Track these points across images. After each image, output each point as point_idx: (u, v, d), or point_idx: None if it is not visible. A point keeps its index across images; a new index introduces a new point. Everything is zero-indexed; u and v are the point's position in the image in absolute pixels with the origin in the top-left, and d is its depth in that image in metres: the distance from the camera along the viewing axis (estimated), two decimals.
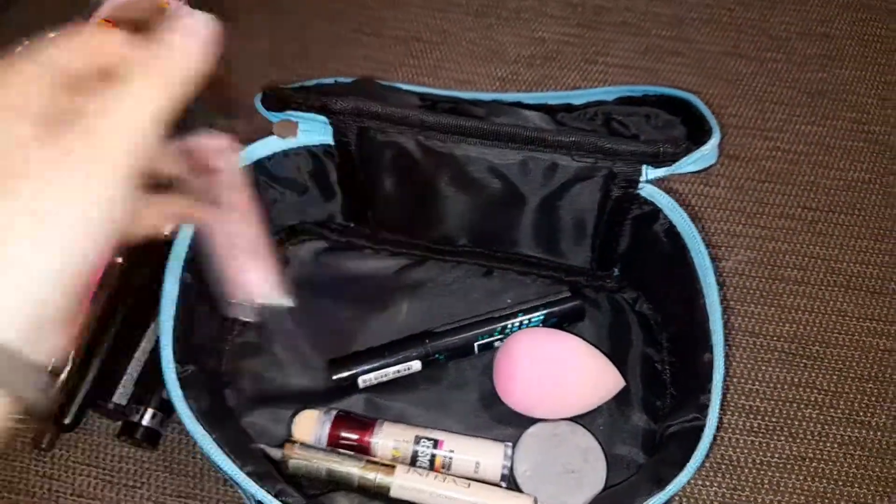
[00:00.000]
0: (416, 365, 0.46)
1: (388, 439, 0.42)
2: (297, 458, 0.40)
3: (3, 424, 0.23)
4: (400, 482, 0.40)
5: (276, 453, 0.39)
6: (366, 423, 0.42)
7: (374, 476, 0.39)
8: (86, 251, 0.23)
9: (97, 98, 0.23)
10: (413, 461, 0.41)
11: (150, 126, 0.23)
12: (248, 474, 0.34)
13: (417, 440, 0.41)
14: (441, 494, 0.40)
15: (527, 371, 0.42)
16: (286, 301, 0.35)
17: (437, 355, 0.46)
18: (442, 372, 0.46)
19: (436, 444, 0.41)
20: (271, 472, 0.35)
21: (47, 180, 0.22)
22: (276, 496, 0.34)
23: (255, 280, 0.35)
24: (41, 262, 0.22)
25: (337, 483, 0.40)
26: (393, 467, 0.40)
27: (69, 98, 0.24)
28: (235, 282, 0.34)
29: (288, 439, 0.42)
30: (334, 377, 0.44)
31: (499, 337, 0.46)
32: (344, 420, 0.42)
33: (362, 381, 0.45)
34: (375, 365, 0.44)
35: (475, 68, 0.64)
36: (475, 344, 0.46)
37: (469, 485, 0.40)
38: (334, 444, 0.41)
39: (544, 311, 0.46)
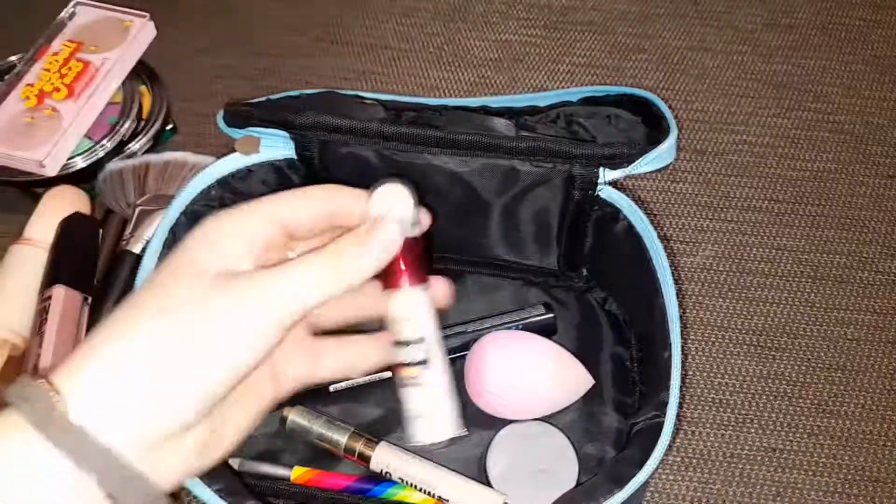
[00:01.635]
0: (386, 373, 0.46)
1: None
2: (296, 419, 0.44)
3: None
4: (378, 457, 0.42)
5: (237, 464, 0.40)
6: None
7: (358, 446, 0.42)
8: (225, 383, 0.27)
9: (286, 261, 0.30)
10: None
11: (309, 298, 0.29)
12: (217, 492, 0.34)
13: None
14: (415, 476, 0.41)
15: (496, 374, 0.43)
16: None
17: None
18: None
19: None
20: (240, 490, 0.36)
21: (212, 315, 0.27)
22: None
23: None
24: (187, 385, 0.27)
25: (324, 444, 0.43)
26: (376, 443, 0.42)
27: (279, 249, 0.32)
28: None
29: (289, 404, 0.44)
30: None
31: (468, 353, 0.46)
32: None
33: (333, 386, 0.45)
34: None
35: (443, 73, 0.64)
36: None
37: (446, 473, 0.41)
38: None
39: (516, 326, 0.46)
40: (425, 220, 0.35)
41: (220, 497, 0.34)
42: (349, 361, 0.37)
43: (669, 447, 0.35)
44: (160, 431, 0.26)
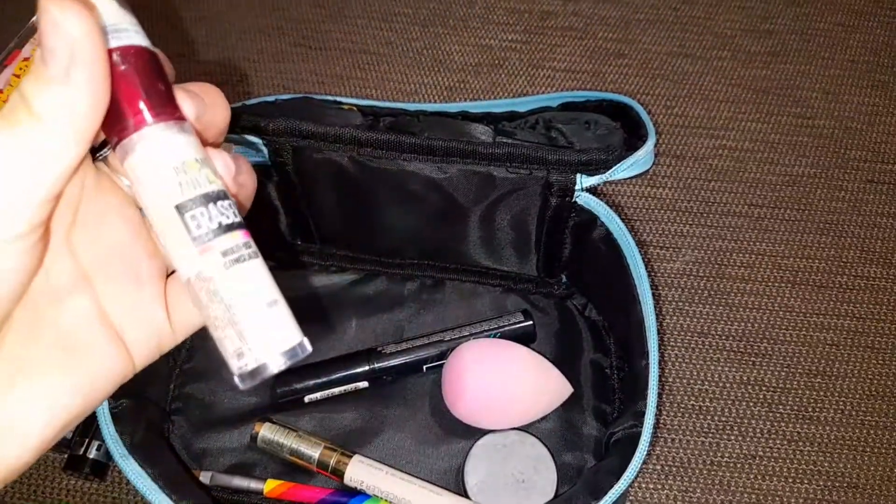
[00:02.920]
0: (363, 384, 0.45)
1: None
2: (266, 434, 0.43)
3: None
4: (351, 472, 0.41)
5: (208, 478, 0.39)
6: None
7: (331, 461, 0.42)
8: None
9: None
10: None
11: (19, 176, 0.19)
12: None
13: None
14: (390, 491, 0.40)
15: (473, 382, 0.42)
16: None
17: (384, 376, 0.46)
18: (391, 388, 0.46)
19: None
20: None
21: None
22: None
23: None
24: None
25: (297, 460, 0.42)
26: (350, 456, 0.42)
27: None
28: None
29: (261, 419, 0.43)
30: (279, 390, 0.44)
31: (446, 361, 0.45)
32: None
33: (308, 398, 0.44)
34: (321, 381, 0.44)
35: (422, 78, 0.64)
36: (423, 366, 0.46)
37: (421, 487, 0.41)
38: None
39: (495, 334, 0.46)
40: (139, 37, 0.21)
41: None
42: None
43: (648, 455, 0.34)
44: None
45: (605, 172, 0.40)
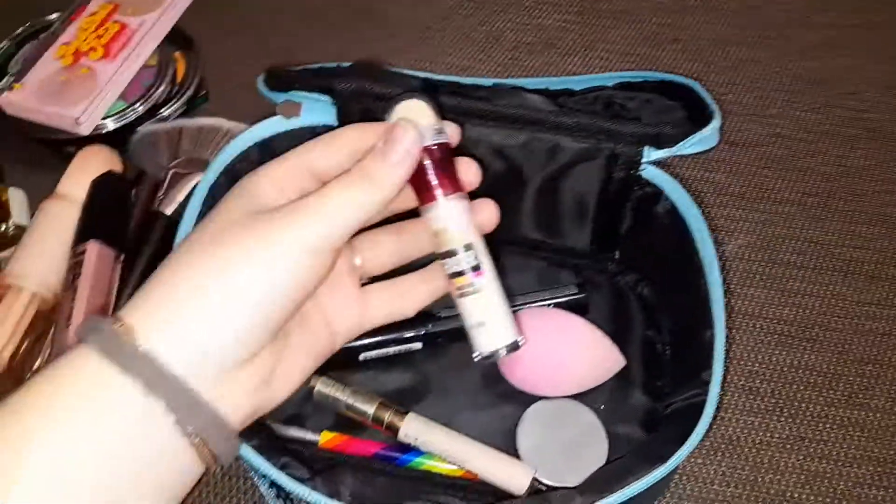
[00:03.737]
0: (417, 345, 0.46)
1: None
2: (322, 389, 0.43)
3: (189, 481, 0.28)
4: (406, 428, 0.42)
5: (284, 431, 0.40)
6: None
7: (386, 416, 0.42)
8: (278, 308, 0.28)
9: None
10: None
11: (342, 217, 0.29)
12: (254, 448, 0.34)
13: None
14: (444, 448, 0.41)
15: (531, 348, 0.42)
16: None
17: (438, 338, 0.46)
18: (443, 351, 0.46)
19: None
20: (276, 446, 0.36)
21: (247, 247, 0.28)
22: (280, 469, 0.34)
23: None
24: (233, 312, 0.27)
25: (352, 414, 0.43)
26: (405, 413, 0.42)
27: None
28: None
29: (318, 373, 0.42)
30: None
31: None
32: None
33: (363, 356, 0.45)
34: (377, 340, 0.45)
35: (475, 54, 0.64)
36: None
37: (474, 445, 0.41)
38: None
39: (548, 304, 0.46)
40: (452, 131, 0.34)
41: (257, 452, 0.34)
42: (397, 301, 0.37)
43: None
44: (224, 359, 0.27)
45: (672, 147, 0.40)
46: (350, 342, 0.44)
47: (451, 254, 0.33)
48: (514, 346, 0.34)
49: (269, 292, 0.28)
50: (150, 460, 0.26)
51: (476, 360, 0.34)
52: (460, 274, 0.33)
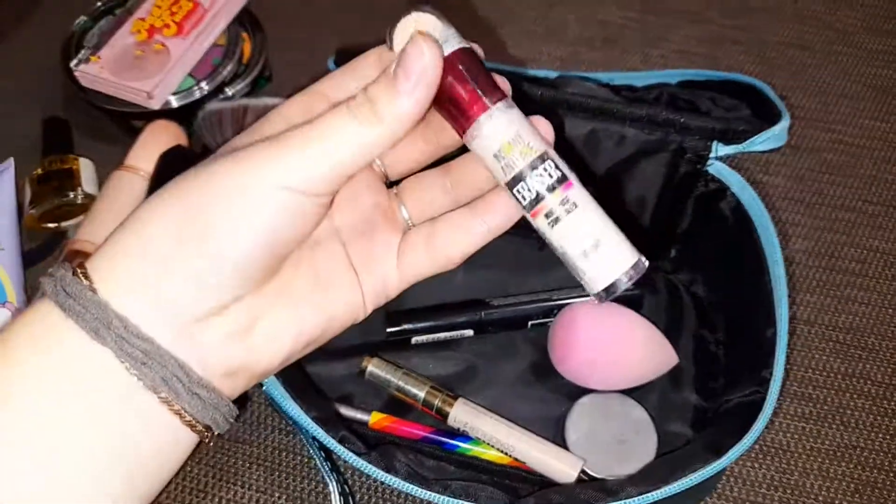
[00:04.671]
0: (468, 332, 0.46)
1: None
2: (375, 370, 0.44)
3: (182, 452, 0.26)
4: (456, 413, 0.42)
5: (345, 411, 0.40)
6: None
7: (436, 401, 0.43)
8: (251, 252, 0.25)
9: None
10: None
11: (336, 158, 0.24)
12: (314, 419, 0.35)
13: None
14: (492, 435, 0.41)
15: (585, 341, 0.43)
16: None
17: (489, 326, 0.46)
18: (494, 339, 0.47)
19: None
20: (334, 419, 0.36)
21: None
22: (339, 441, 0.35)
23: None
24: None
25: (402, 396, 0.44)
26: (455, 398, 0.42)
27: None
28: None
29: (370, 354, 0.44)
30: (388, 330, 0.45)
31: (551, 320, 0.46)
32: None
33: (415, 339, 0.45)
34: (430, 325, 0.45)
35: (536, 47, 0.64)
36: (529, 322, 0.46)
37: (523, 434, 0.41)
38: None
39: None
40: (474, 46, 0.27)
41: (318, 424, 0.35)
42: (441, 245, 0.29)
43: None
44: (185, 309, 0.25)
45: (742, 142, 0.40)
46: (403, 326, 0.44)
47: (521, 176, 0.25)
48: (640, 268, 0.26)
49: (236, 239, 0.24)
50: (114, 422, 0.24)
51: (598, 300, 0.26)
52: (546, 193, 0.25)
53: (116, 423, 0.24)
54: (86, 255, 0.46)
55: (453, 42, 0.25)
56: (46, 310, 0.25)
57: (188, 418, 0.25)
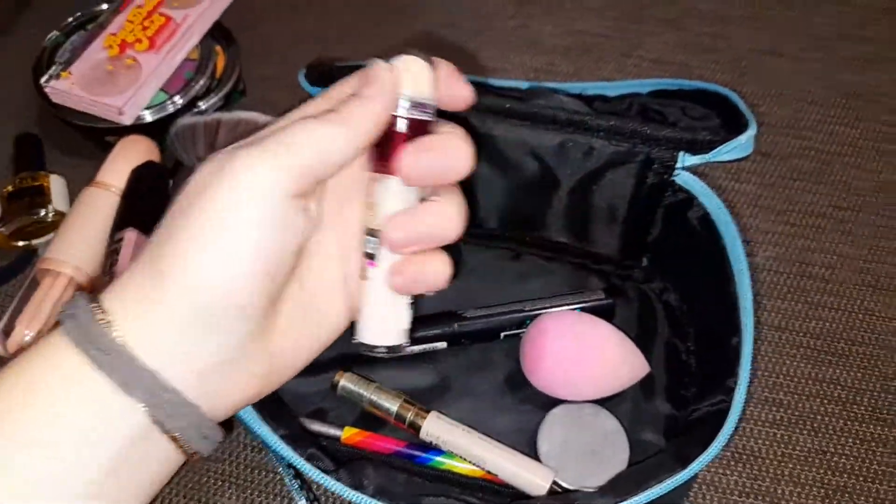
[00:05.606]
0: (441, 344, 0.46)
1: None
2: (347, 384, 0.44)
3: (167, 472, 0.26)
4: (428, 427, 0.42)
5: (307, 425, 0.40)
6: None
7: (409, 415, 0.43)
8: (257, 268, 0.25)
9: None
10: None
11: (305, 157, 0.25)
12: (282, 437, 0.35)
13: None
14: (465, 449, 0.41)
15: (555, 351, 0.43)
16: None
17: (463, 339, 0.47)
18: (467, 351, 0.47)
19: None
20: (303, 436, 0.36)
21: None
22: (307, 460, 0.35)
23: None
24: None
25: (374, 410, 0.44)
26: (428, 412, 0.42)
27: None
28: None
29: (343, 368, 0.44)
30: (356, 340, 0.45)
31: (525, 330, 0.46)
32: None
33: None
34: None
35: (512, 56, 0.65)
36: (502, 333, 0.47)
37: (495, 447, 0.41)
38: None
39: (576, 308, 0.46)
40: (462, 90, 0.29)
41: (285, 443, 0.35)
42: None
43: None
44: (208, 357, 0.25)
45: (707, 153, 0.40)
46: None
47: (367, 232, 0.29)
48: (391, 350, 0.31)
49: (248, 249, 0.25)
50: (123, 455, 0.24)
51: (354, 342, 0.31)
52: (365, 255, 0.30)
53: (125, 455, 0.24)
54: (54, 275, 0.46)
55: (420, 106, 0.28)
56: (66, 353, 0.24)
57: (189, 450, 0.26)
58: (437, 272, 0.29)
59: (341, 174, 0.28)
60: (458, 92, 0.29)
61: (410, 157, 0.27)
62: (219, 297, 0.24)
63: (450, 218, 0.29)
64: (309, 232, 0.27)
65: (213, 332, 0.25)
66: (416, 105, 0.28)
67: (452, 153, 0.28)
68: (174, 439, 0.25)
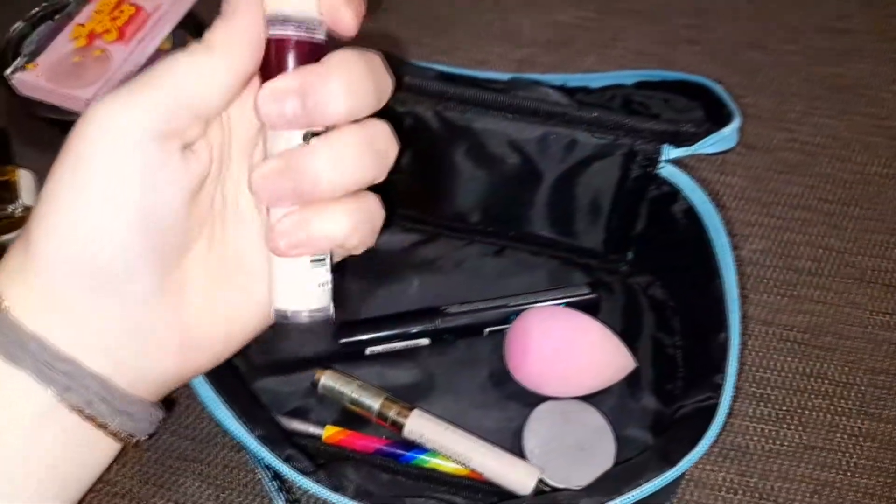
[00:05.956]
0: (424, 341, 0.45)
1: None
2: (328, 382, 0.42)
3: (98, 457, 0.25)
4: (411, 424, 0.41)
5: (287, 424, 0.39)
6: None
7: (391, 413, 0.41)
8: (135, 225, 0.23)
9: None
10: None
11: (191, 93, 0.23)
12: (258, 438, 0.34)
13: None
14: (449, 446, 0.40)
15: (540, 347, 0.42)
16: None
17: (445, 335, 0.46)
18: (451, 348, 0.46)
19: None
20: (280, 438, 0.35)
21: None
22: (285, 461, 0.34)
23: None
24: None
25: (356, 409, 0.42)
26: (411, 409, 0.41)
27: None
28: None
29: (323, 366, 0.43)
30: (341, 341, 0.44)
31: (509, 326, 0.45)
32: None
33: (369, 350, 0.44)
34: (384, 335, 0.44)
35: (492, 49, 0.64)
36: (485, 329, 0.46)
37: (480, 445, 0.40)
38: None
39: (560, 303, 0.46)
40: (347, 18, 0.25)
41: (262, 444, 0.34)
42: None
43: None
44: (104, 323, 0.23)
45: (692, 145, 0.40)
46: (356, 337, 0.43)
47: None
48: (312, 317, 0.27)
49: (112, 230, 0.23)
50: (34, 437, 0.23)
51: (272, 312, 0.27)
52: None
53: (35, 437, 0.23)
54: None
55: (307, 26, 0.24)
56: None
57: (113, 430, 0.24)
58: (326, 232, 0.24)
59: (246, 112, 0.25)
60: (341, 13, 0.24)
61: (266, 88, 0.24)
62: (89, 258, 0.23)
63: (336, 161, 0.24)
64: (197, 179, 0.24)
65: (101, 296, 0.23)
66: (292, 23, 0.24)
67: (336, 80, 0.24)
68: (87, 416, 0.23)
